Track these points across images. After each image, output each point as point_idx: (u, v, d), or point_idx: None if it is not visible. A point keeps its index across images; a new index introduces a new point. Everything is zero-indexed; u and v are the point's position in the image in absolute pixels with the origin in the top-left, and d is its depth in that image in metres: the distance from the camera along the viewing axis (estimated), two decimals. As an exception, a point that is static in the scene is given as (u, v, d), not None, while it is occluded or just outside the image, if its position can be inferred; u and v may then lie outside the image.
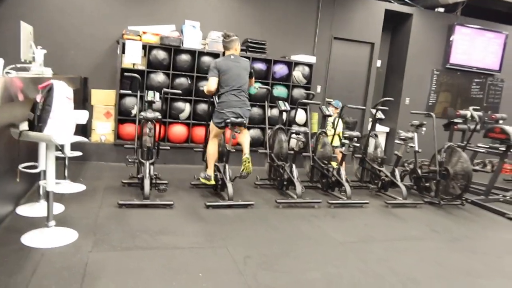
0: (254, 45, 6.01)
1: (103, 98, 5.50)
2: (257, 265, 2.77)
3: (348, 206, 4.42)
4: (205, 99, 5.67)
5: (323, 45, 6.80)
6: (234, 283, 2.50)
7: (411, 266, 3.02)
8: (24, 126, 3.19)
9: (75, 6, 5.56)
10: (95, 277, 2.41)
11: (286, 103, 4.90)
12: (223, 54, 5.63)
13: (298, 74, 6.23)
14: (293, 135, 4.51)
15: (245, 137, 4.24)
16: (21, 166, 3.31)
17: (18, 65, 3.67)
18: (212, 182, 4.13)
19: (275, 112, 5.97)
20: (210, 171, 4.16)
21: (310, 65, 6.32)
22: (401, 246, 3.43)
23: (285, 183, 4.51)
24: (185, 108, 5.66)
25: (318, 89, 6.77)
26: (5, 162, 3.15)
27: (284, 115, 5.28)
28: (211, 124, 4.22)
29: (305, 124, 6.10)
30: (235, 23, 6.17)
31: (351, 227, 3.79)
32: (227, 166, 4.16)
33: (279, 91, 6.10)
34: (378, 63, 7.40)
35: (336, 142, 5.36)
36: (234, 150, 4.25)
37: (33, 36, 4.12)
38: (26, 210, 3.41)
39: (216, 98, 4.25)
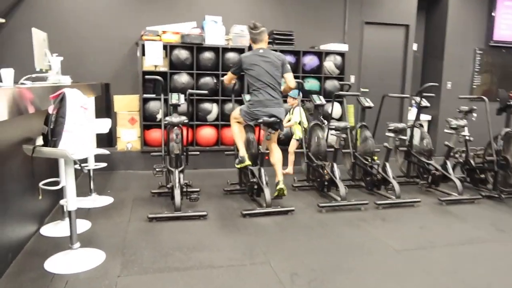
0: (280, 36, 5.63)
1: (127, 104, 5.26)
2: (306, 284, 2.41)
3: (398, 206, 3.98)
4: (235, 98, 5.34)
5: (354, 32, 6.33)
6: (282, 308, 2.15)
7: (486, 278, 2.58)
8: (40, 140, 2.95)
9: (91, 9, 5.35)
10: (124, 309, 2.12)
11: (321, 97, 4.50)
12: (249, 48, 5.34)
13: (329, 64, 5.80)
14: (332, 131, 4.10)
15: (277, 157, 3.91)
16: (42, 183, 3.07)
17: (34, 75, 3.45)
18: (248, 162, 3.81)
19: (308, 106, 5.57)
20: (242, 151, 3.86)
21: (342, 54, 5.89)
22: (467, 252, 2.98)
23: (326, 184, 4.11)
24: (212, 109, 5.34)
25: (352, 79, 6.31)
26: (23, 180, 2.91)
27: (321, 109, 4.86)
28: (236, 110, 3.92)
29: (340, 118, 5.68)
30: (259, 14, 5.79)
31: (406, 231, 3.36)
32: (262, 170, 3.81)
33: (311, 84, 5.70)
34: (415, 46, 6.85)
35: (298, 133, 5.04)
36: (268, 151, 3.90)
37: (48, 43, 3.89)
38: (50, 229, 3.17)
39: (247, 97, 3.91)
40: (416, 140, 4.84)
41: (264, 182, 3.74)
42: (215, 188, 4.44)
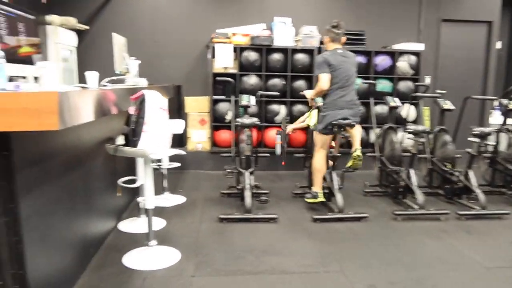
0: (351, 36, 5.43)
1: (197, 105, 5.38)
2: (385, 298, 2.26)
3: (483, 218, 3.64)
4: (302, 100, 5.26)
5: (430, 30, 5.96)
6: (361, 322, 2.02)
7: None
8: (121, 140, 3.07)
9: (165, 14, 5.54)
10: (199, 310, 2.12)
11: (395, 99, 4.26)
12: (319, 49, 5.22)
13: (403, 65, 5.50)
14: (409, 135, 3.86)
15: (356, 130, 3.69)
16: (120, 181, 3.21)
17: (114, 78, 3.62)
18: (321, 199, 3.63)
19: (378, 109, 5.34)
20: (318, 187, 3.66)
21: (417, 54, 5.56)
22: None
23: (401, 190, 3.87)
24: (280, 110, 5.29)
25: (427, 79, 5.94)
26: (104, 177, 3.06)
27: (394, 112, 4.60)
28: (315, 134, 3.71)
29: (415, 121, 5.37)
30: (328, 14, 5.64)
31: (494, 246, 3.05)
32: (333, 174, 3.68)
33: (383, 85, 5.45)
34: (498, 44, 6.31)
35: None
36: (340, 155, 3.77)
37: (127, 48, 4.08)
38: (127, 225, 3.30)
39: (318, 99, 3.79)
40: (503, 146, 4.43)
41: (336, 187, 3.60)
42: (283, 190, 4.38)
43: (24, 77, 2.39)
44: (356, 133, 3.70)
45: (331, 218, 3.47)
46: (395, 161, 4.04)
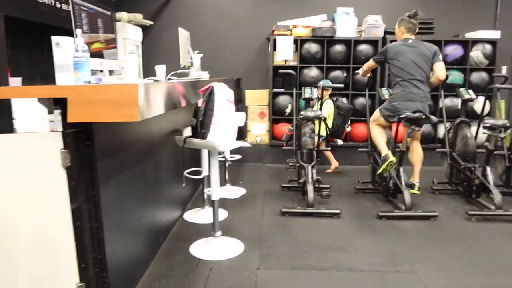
0: (419, 25, 5.13)
1: (257, 98, 5.39)
2: (463, 303, 2.12)
3: None
4: (364, 92, 5.09)
5: (509, 16, 5.50)
6: (438, 327, 1.91)
7: None
8: (187, 132, 3.14)
9: (227, 8, 5.58)
10: (266, 303, 2.11)
11: (470, 91, 3.99)
12: (383, 39, 5.02)
13: (477, 54, 5.13)
14: (485, 130, 3.58)
15: (417, 157, 3.62)
16: (186, 172, 3.28)
17: (179, 71, 3.70)
18: (392, 159, 3.41)
19: (448, 102, 5.03)
20: (385, 151, 3.51)
21: (492, 42, 5.15)
22: None
23: (475, 189, 3.62)
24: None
25: (503, 70, 5.49)
26: (171, 168, 3.14)
27: (467, 105, 4.31)
28: (376, 113, 3.65)
29: (488, 114, 5.01)
30: (394, 2, 5.40)
31: None
32: (401, 169, 3.51)
33: (453, 76, 5.10)
34: None
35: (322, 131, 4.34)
36: (406, 149, 3.59)
37: (190, 41, 4.16)
38: (192, 216, 3.38)
39: (384, 91, 3.65)
40: None
41: (403, 183, 3.44)
42: (345, 185, 4.27)
43: (101, 71, 2.50)
44: (417, 162, 3.62)
45: (398, 216, 3.32)
46: (467, 158, 3.78)
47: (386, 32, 5.11)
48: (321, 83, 4.48)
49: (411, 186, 3.51)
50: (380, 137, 3.62)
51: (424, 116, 3.30)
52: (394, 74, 3.43)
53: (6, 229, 1.78)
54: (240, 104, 5.60)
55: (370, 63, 3.77)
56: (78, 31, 1.76)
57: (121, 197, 2.10)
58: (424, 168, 3.89)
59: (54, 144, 1.71)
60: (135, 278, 2.31)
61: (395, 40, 3.72)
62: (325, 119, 3.96)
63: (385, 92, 3.85)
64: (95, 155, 1.80)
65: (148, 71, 2.68)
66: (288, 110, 5.17)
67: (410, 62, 3.33)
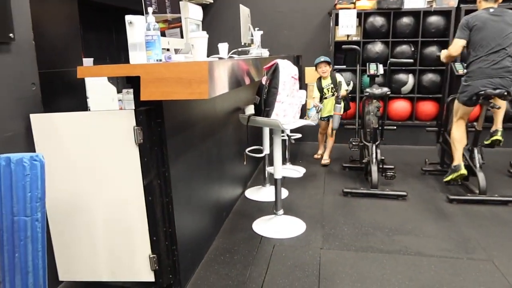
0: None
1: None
2: (548, 296, 1.96)
3: None
4: (433, 68, 4.78)
5: None
6: (519, 320, 1.78)
7: None
8: (250, 110, 3.13)
9: (288, -17, 5.44)
10: (331, 282, 2.08)
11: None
12: (457, 11, 4.63)
13: None
14: None
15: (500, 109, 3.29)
16: (247, 150, 3.30)
17: (240, 49, 3.68)
18: (463, 171, 3.18)
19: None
20: (458, 160, 3.23)
21: None
22: None
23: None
24: (408, 80, 4.88)
25: None
26: (235, 146, 3.17)
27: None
28: (455, 104, 3.31)
29: None
30: (470, -31, 4.94)
31: None
32: (475, 150, 3.28)
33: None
34: None
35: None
36: (481, 130, 3.33)
37: (250, 19, 4.11)
38: (253, 193, 3.41)
39: (458, 66, 3.37)
40: None
41: (477, 165, 3.21)
42: (409, 166, 4.09)
43: (168, 50, 2.53)
44: (499, 111, 3.24)
45: (471, 200, 3.11)
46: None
47: (460, 1, 4.71)
48: (322, 58, 4.26)
49: (493, 133, 3.29)
50: (459, 140, 3.27)
51: (506, 93, 3.00)
52: (473, 47, 3.10)
53: (84, 203, 1.89)
54: (300, 81, 5.49)
55: (457, 43, 3.17)
56: (150, 10, 1.78)
57: (188, 173, 2.15)
58: (500, 149, 3.60)
59: (127, 121, 1.77)
60: (202, 252, 2.38)
61: (472, 11, 3.37)
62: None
63: (459, 68, 3.56)
64: (165, 132, 1.85)
65: (209, 50, 2.69)
66: (350, 88, 4.99)
67: (492, 34, 3.01)
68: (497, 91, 2.97)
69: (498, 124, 3.29)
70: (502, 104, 3.32)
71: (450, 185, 3.36)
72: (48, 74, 2.07)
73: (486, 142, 3.41)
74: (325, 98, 4.26)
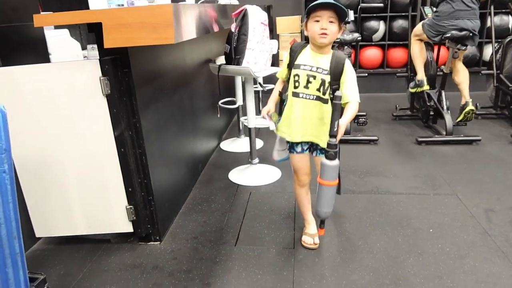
0: None
1: (288, 26, 5.16)
2: (506, 223, 2.09)
3: None
4: (404, 14, 4.76)
5: None
6: (479, 245, 1.91)
7: None
8: (221, 60, 3.08)
9: None
10: (306, 224, 2.17)
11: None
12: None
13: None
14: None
15: (463, 75, 3.35)
16: (220, 102, 3.28)
17: (208, -4, 3.55)
18: (426, 86, 3.47)
19: (496, 20, 4.64)
20: (421, 74, 3.48)
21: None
22: None
23: (522, 112, 3.44)
24: (379, 27, 4.86)
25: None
26: (208, 98, 3.14)
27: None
28: (419, 26, 3.42)
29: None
30: None
31: None
32: (443, 93, 3.36)
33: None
34: None
35: None
36: (450, 71, 3.40)
37: (220, -36, 3.92)
38: (228, 145, 3.43)
39: (427, 9, 3.37)
40: None
41: (445, 107, 3.31)
42: (381, 113, 4.17)
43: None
44: (464, 81, 3.31)
45: (438, 141, 3.24)
46: (516, 79, 3.56)
47: None
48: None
49: (464, 106, 3.32)
50: (419, 56, 3.48)
51: (471, 34, 3.06)
52: None
53: (55, 158, 1.86)
54: (271, 32, 5.40)
55: None
56: (106, -49, 1.68)
57: (160, 125, 2.13)
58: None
59: (92, 72, 1.71)
60: (179, 202, 2.41)
61: None
62: None
63: (428, 11, 3.57)
64: (133, 82, 1.80)
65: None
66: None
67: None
68: (463, 32, 3.01)
69: (466, 96, 3.33)
70: (460, 79, 3.37)
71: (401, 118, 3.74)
72: (4, 29, 1.95)
73: (458, 120, 3.34)
74: (301, 96, 1.74)
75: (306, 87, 1.69)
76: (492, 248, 1.89)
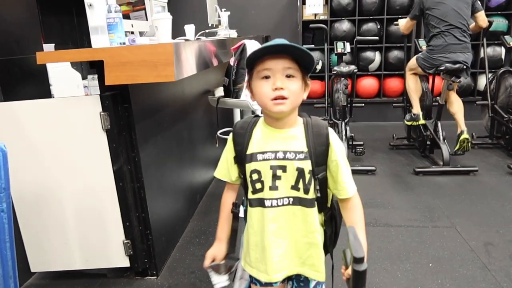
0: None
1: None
2: (505, 257, 2.08)
3: None
4: (399, 44, 4.87)
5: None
6: (479, 281, 1.89)
7: None
8: (219, 92, 3.12)
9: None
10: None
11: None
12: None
13: (523, -3, 4.75)
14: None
15: (458, 105, 3.40)
16: (219, 132, 3.30)
17: (207, 30, 3.63)
18: (422, 121, 3.52)
19: (489, 51, 4.74)
20: (417, 108, 3.53)
21: (540, -17, 4.75)
22: None
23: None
24: (375, 57, 4.96)
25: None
26: (206, 128, 3.16)
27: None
28: (413, 60, 3.51)
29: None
30: None
31: None
32: (439, 124, 3.40)
33: (497, 23, 4.77)
34: None
35: None
36: (445, 102, 3.45)
37: (217, 0, 4.05)
38: (226, 175, 3.42)
39: (422, 42, 3.47)
40: None
41: (441, 138, 3.34)
42: (378, 142, 4.20)
43: (132, 32, 2.48)
44: (459, 110, 3.37)
45: (435, 171, 3.25)
46: (511, 109, 3.60)
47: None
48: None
49: (459, 135, 3.34)
50: (414, 90, 3.54)
51: (464, 67, 3.13)
52: (432, 25, 3.21)
53: (53, 193, 1.86)
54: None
55: (409, 22, 3.55)
56: (109, -9, 1.73)
57: (159, 158, 2.14)
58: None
59: (93, 107, 1.74)
60: (177, 235, 2.39)
61: None
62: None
63: (422, 43, 3.66)
64: (133, 117, 1.82)
65: (175, 32, 2.65)
66: (319, 67, 5.03)
67: (451, 10, 3.12)
68: (457, 65, 3.08)
69: (462, 125, 3.36)
70: (455, 110, 3.42)
71: (398, 147, 3.76)
72: (6, 62, 1.99)
73: (455, 149, 3.34)
74: (269, 205, 1.09)
75: (274, 187, 1.07)
76: (492, 283, 1.87)
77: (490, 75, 3.92)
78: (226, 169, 1.20)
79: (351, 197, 1.10)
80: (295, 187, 1.07)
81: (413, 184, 3.09)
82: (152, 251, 2.00)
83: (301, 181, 1.06)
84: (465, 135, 3.26)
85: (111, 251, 1.94)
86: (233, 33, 3.98)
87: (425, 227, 2.42)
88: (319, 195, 1.07)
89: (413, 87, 3.53)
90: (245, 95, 2.44)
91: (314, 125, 1.08)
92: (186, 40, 2.65)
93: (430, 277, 1.93)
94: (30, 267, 1.99)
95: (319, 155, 1.05)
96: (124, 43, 1.66)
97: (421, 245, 2.22)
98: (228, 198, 1.26)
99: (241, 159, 1.12)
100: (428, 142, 3.51)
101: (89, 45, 1.73)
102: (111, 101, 1.74)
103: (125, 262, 1.97)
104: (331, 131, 1.09)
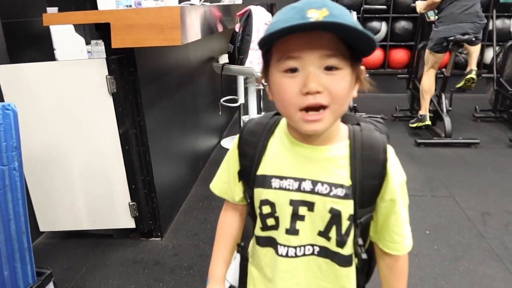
0: None
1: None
2: (503, 226, 2.14)
3: None
4: (406, 15, 4.78)
5: None
6: (474, 248, 1.95)
7: None
8: (224, 59, 3.11)
9: None
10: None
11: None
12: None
13: (536, -32, 4.62)
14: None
15: (475, 47, 3.34)
16: (222, 100, 3.31)
17: (211, -4, 3.57)
18: (428, 122, 3.36)
19: (498, 24, 4.66)
20: (424, 110, 3.38)
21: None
22: None
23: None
24: (381, 28, 4.89)
25: None
26: (209, 96, 3.17)
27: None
28: (427, 54, 3.35)
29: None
30: None
31: None
32: (443, 96, 3.39)
33: (507, -5, 4.68)
34: None
35: None
36: (450, 76, 3.43)
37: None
38: (229, 143, 3.45)
39: (430, 13, 3.38)
40: None
41: (444, 110, 3.35)
42: (381, 113, 4.17)
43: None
44: (474, 51, 3.32)
45: (437, 143, 3.27)
46: (516, 83, 3.59)
47: None
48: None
49: (467, 73, 3.31)
50: (427, 90, 3.34)
51: (474, 38, 3.07)
52: None
53: (60, 154, 1.89)
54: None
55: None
56: (115, -48, 1.70)
57: (164, 123, 2.17)
58: (466, 96, 3.73)
59: (99, 71, 1.74)
60: (180, 199, 2.45)
61: None
62: None
63: (431, 14, 3.59)
64: (138, 81, 1.83)
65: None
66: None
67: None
68: (465, 36, 3.03)
69: (473, 65, 3.33)
70: (472, 49, 3.39)
71: (415, 129, 3.53)
72: (11, 25, 1.98)
73: (458, 86, 3.38)
74: (282, 253, 0.75)
75: (293, 230, 0.74)
76: (487, 250, 1.93)
77: (497, 48, 3.87)
78: (226, 183, 0.84)
79: (399, 255, 0.77)
80: (324, 234, 0.72)
81: (414, 155, 3.13)
82: (157, 213, 2.05)
83: (334, 228, 0.71)
84: (472, 75, 3.27)
85: (117, 212, 2.00)
86: (238, 0, 3.91)
87: (423, 196, 2.47)
88: (364, 256, 0.73)
89: (427, 87, 3.34)
90: (249, 62, 2.44)
91: (365, 144, 0.72)
92: (191, 5, 2.61)
93: (426, 243, 1.99)
94: (39, 227, 2.05)
95: (367, 192, 0.71)
96: (130, 6, 1.65)
97: (419, 213, 2.27)
98: (228, 225, 0.86)
99: (248, 179, 0.76)
100: (431, 114, 3.51)
101: (93, 9, 1.72)
102: (117, 64, 1.74)
103: (130, 224, 2.03)
104: (390, 154, 0.76)
